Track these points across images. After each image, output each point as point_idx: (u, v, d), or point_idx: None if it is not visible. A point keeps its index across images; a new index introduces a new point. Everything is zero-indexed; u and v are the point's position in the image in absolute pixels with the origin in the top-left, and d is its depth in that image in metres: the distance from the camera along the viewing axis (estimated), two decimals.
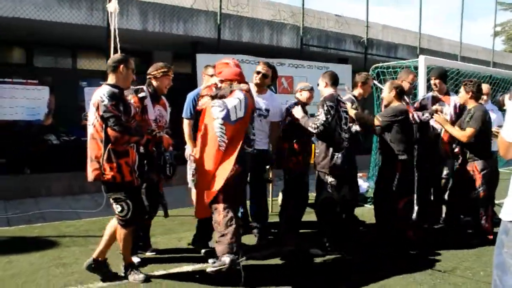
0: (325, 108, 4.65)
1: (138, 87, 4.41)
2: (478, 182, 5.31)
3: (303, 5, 10.20)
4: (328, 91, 4.87)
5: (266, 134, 5.12)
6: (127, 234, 3.96)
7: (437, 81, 5.78)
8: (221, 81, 4.31)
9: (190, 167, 4.71)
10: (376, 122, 5.11)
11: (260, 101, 4.94)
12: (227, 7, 9.51)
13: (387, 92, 5.17)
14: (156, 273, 4.24)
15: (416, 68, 6.69)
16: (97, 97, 3.69)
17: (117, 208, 3.86)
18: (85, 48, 9.83)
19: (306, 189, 5.26)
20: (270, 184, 5.91)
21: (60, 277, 4.09)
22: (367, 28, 11.51)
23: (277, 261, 4.69)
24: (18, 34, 8.43)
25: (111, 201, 3.89)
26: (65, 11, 7.50)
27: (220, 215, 3.92)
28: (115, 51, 4.98)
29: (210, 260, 4.39)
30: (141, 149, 4.10)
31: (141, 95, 4.25)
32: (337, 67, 10.43)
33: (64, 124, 8.27)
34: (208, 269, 3.88)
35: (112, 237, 3.99)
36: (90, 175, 3.80)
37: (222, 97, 4.12)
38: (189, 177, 4.53)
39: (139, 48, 8.84)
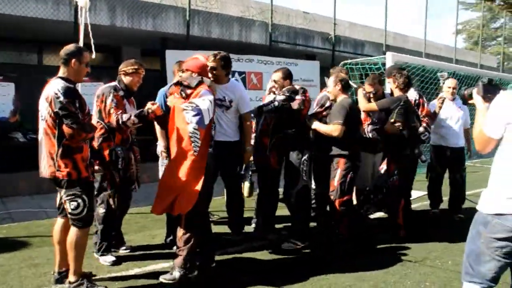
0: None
1: (112, 83, 4.37)
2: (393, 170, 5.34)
3: (271, 2, 10.28)
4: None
5: (236, 125, 4.94)
6: (82, 238, 3.72)
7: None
8: (183, 71, 4.24)
9: (162, 164, 4.69)
10: (338, 128, 4.78)
11: (220, 92, 4.75)
12: (196, 3, 9.47)
13: (332, 86, 5.00)
14: (131, 271, 4.20)
15: (384, 64, 6.86)
16: (51, 91, 3.52)
17: (71, 205, 3.61)
18: (52, 44, 9.60)
19: (278, 185, 5.26)
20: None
21: (33, 277, 3.99)
22: (335, 25, 11.69)
23: (254, 255, 4.73)
24: None
25: (65, 198, 3.64)
26: (30, 5, 7.32)
27: (180, 231, 3.92)
28: (87, 47, 4.88)
29: None
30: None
31: (121, 93, 4.23)
32: (305, 64, 10.57)
33: (31, 121, 8.05)
34: (161, 278, 3.92)
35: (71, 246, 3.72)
36: (46, 171, 3.65)
37: (188, 86, 3.98)
38: (161, 174, 4.51)
39: (107, 43, 8.72)
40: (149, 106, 4.12)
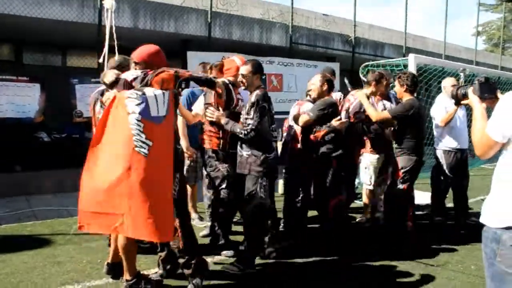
0: (258, 110, 4.09)
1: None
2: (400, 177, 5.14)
3: (292, 3, 10.31)
4: (257, 83, 4.29)
5: None
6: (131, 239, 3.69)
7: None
8: (136, 63, 3.62)
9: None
10: (305, 118, 4.72)
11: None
12: (217, 6, 9.56)
13: (318, 85, 4.85)
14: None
15: (405, 66, 6.82)
16: (130, 76, 3.66)
17: None
18: (76, 46, 9.79)
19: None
20: None
21: (56, 275, 4.03)
22: (355, 27, 11.66)
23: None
24: (7, 30, 8.36)
25: None
26: (56, 8, 7.47)
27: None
28: (111, 49, 4.96)
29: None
30: None
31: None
32: (325, 65, 10.56)
33: (55, 121, 8.23)
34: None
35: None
36: None
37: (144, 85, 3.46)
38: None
39: (129, 45, 8.80)
40: None
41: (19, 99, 7.28)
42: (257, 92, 4.18)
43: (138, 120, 3.15)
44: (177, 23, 8.97)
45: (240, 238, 4.82)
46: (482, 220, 2.35)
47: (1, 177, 7.10)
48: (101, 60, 4.93)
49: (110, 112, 3.29)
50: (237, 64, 4.54)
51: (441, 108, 5.92)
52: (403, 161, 5.08)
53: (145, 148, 3.16)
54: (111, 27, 5.00)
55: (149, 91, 3.28)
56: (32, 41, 9.42)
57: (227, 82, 4.49)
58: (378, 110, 5.27)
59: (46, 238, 5.10)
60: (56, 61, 9.93)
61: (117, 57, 4.33)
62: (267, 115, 4.19)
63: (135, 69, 3.61)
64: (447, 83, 5.97)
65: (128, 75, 3.75)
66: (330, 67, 6.50)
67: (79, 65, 9.87)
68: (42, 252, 4.65)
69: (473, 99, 2.51)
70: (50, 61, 9.92)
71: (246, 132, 4.10)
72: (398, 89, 5.16)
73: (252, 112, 4.09)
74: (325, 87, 4.81)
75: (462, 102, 2.71)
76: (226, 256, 4.56)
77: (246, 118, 4.14)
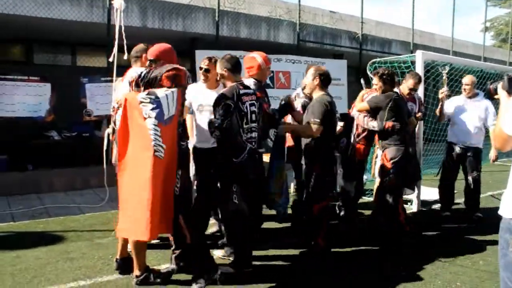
0: (221, 108, 3.80)
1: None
2: (387, 170, 5.11)
3: (299, 1, 10.33)
4: (229, 81, 4.08)
5: None
6: None
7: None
8: (152, 61, 3.67)
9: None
10: (315, 127, 4.43)
11: (211, 96, 4.22)
12: (224, 4, 9.60)
13: (310, 79, 4.63)
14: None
15: (413, 62, 6.82)
16: (134, 73, 3.80)
17: None
18: (85, 45, 9.88)
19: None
20: None
21: (69, 271, 4.10)
22: (362, 24, 11.65)
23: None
24: (18, 31, 8.46)
25: None
26: (65, 8, 7.54)
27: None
28: (120, 48, 5.02)
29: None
30: None
31: None
32: (333, 63, 10.59)
33: (65, 120, 8.30)
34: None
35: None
36: (114, 159, 3.89)
37: (153, 80, 3.49)
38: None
39: (138, 44, 8.87)
40: None
41: (30, 99, 7.34)
42: (223, 88, 4.07)
43: (155, 125, 3.20)
44: (185, 22, 9.03)
45: None
46: (499, 211, 2.36)
47: (13, 175, 7.22)
48: (110, 59, 5.00)
49: (127, 117, 3.32)
50: (258, 61, 4.52)
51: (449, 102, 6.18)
52: (391, 152, 5.07)
53: (162, 152, 3.23)
54: (120, 27, 5.06)
55: (160, 93, 3.28)
56: (43, 41, 9.51)
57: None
58: (361, 102, 5.38)
59: (58, 235, 5.19)
60: (66, 61, 10.02)
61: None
62: (235, 114, 3.84)
63: (150, 66, 3.68)
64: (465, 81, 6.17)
65: (132, 73, 3.84)
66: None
67: (89, 64, 9.96)
68: (54, 248, 4.73)
69: (501, 94, 2.53)
70: (61, 61, 10.01)
71: (210, 131, 3.90)
72: (380, 85, 5.17)
73: (216, 110, 3.85)
74: (316, 82, 4.57)
75: (495, 97, 2.69)
76: (219, 256, 4.48)
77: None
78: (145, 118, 3.22)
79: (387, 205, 5.10)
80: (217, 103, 3.85)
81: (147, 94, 3.28)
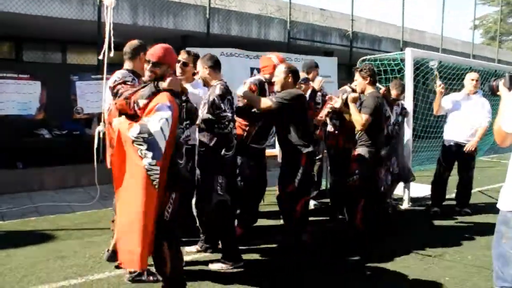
0: (227, 102, 4.04)
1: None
2: (352, 170, 5.06)
3: None
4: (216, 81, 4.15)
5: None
6: None
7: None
8: (155, 65, 3.29)
9: None
10: (268, 103, 4.35)
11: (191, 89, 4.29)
12: (215, 2, 9.60)
13: (282, 77, 4.46)
14: None
15: (402, 60, 6.88)
16: (112, 78, 3.63)
17: None
18: (75, 43, 9.84)
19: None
20: None
21: (59, 269, 4.09)
22: (352, 21, 11.71)
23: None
24: (7, 28, 8.40)
25: None
26: (55, 6, 7.50)
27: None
28: (110, 46, 5.00)
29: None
30: None
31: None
32: (323, 60, 10.62)
33: (56, 118, 8.27)
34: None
35: None
36: (108, 161, 3.80)
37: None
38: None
39: (128, 42, 8.88)
40: None
41: (20, 97, 7.30)
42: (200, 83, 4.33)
43: (152, 165, 3.00)
44: (176, 20, 9.02)
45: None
46: (497, 204, 2.47)
47: (3, 174, 7.17)
48: (101, 57, 4.98)
49: (122, 147, 3.13)
50: (274, 62, 4.63)
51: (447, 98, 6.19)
52: (360, 152, 5.02)
53: (157, 182, 3.05)
54: (110, 24, 5.05)
55: (154, 126, 3.00)
56: (32, 38, 9.46)
57: (263, 80, 4.66)
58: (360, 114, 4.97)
59: (49, 233, 5.17)
60: (57, 58, 9.98)
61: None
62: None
63: (150, 70, 3.28)
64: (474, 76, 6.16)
65: (117, 76, 3.62)
66: (312, 60, 6.32)
67: (79, 62, 9.93)
68: (45, 247, 4.71)
69: (502, 91, 2.61)
70: (51, 59, 9.97)
71: (198, 125, 4.16)
72: (360, 81, 5.09)
73: (224, 104, 4.03)
74: (289, 79, 4.47)
75: (497, 93, 2.75)
76: (192, 250, 4.51)
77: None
78: (141, 157, 3.00)
79: (347, 204, 5.16)
80: (222, 98, 3.99)
81: (139, 133, 2.99)
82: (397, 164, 6.06)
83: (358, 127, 4.94)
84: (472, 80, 6.08)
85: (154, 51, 3.30)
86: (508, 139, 2.45)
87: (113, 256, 4.03)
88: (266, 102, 4.37)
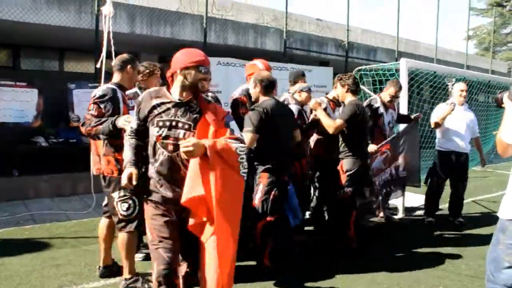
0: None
1: (134, 91, 4.45)
2: (343, 182, 4.97)
3: (286, 9, 10.44)
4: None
5: None
6: (132, 239, 3.81)
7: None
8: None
9: None
10: (249, 136, 4.06)
11: None
12: (212, 11, 9.67)
13: (252, 87, 4.34)
14: None
15: (397, 70, 6.95)
16: (95, 92, 3.78)
17: (123, 206, 3.73)
18: (73, 51, 9.86)
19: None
20: None
21: (54, 278, 4.09)
22: (348, 31, 11.81)
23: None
24: (5, 36, 8.42)
25: (116, 200, 3.74)
26: (53, 14, 7.53)
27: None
28: (109, 55, 5.05)
29: None
30: None
31: None
32: (319, 70, 10.72)
33: (53, 126, 8.28)
34: None
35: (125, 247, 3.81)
36: (93, 169, 3.90)
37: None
38: None
39: (126, 50, 8.90)
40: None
41: (17, 104, 7.32)
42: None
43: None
44: (173, 29, 9.07)
45: None
46: (498, 213, 2.60)
47: None
48: (98, 65, 5.02)
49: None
50: (260, 68, 4.58)
51: (437, 111, 6.18)
52: (347, 164, 4.97)
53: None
54: (108, 33, 5.09)
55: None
56: (30, 46, 9.48)
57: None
58: (333, 120, 4.93)
59: (44, 242, 5.16)
60: (54, 66, 9.99)
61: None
62: None
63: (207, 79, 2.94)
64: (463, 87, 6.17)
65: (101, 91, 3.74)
66: (299, 69, 6.28)
67: (77, 70, 9.94)
68: (40, 255, 4.71)
69: (507, 103, 2.65)
70: (48, 66, 9.98)
71: None
72: (340, 91, 5.05)
73: None
74: (258, 88, 4.26)
75: (501, 106, 2.80)
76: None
77: None
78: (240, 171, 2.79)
79: (338, 218, 5.06)
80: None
81: (241, 144, 2.80)
82: (403, 167, 5.97)
83: (330, 131, 4.83)
84: (461, 91, 6.12)
85: (203, 54, 2.88)
86: (510, 150, 2.53)
87: (105, 272, 4.10)
88: (248, 138, 4.06)
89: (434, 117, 6.15)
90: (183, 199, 2.67)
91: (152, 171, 2.88)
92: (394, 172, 5.87)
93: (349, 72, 5.38)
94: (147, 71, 4.50)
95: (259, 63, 4.60)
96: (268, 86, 4.25)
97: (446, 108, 6.00)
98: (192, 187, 2.65)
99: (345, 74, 5.10)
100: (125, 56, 3.99)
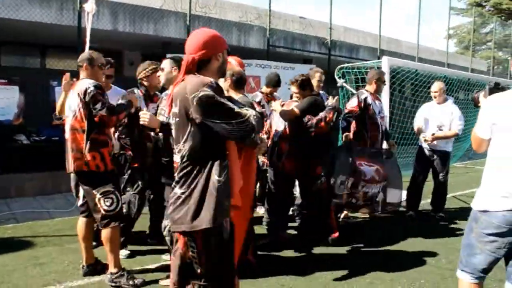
0: None
1: (130, 89, 4.49)
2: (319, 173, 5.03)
3: (269, 6, 10.47)
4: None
5: None
6: (117, 233, 3.84)
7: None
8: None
9: None
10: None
11: None
12: (195, 9, 9.64)
13: (222, 81, 4.14)
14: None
15: (379, 68, 7.03)
16: (82, 87, 3.71)
17: (106, 202, 3.75)
18: (55, 47, 9.76)
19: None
20: None
21: (38, 277, 4.06)
22: (331, 30, 11.88)
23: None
24: None
25: (98, 196, 3.75)
26: (35, 10, 7.46)
27: None
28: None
29: None
30: None
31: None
32: (302, 68, 10.76)
33: (34, 124, 8.18)
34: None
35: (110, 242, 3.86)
36: (71, 166, 3.78)
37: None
38: None
39: (109, 47, 8.87)
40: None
41: None
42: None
43: None
44: (157, 26, 9.04)
45: None
46: (471, 204, 2.81)
47: None
48: None
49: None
50: (232, 64, 4.56)
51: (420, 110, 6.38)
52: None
53: None
54: (91, 30, 5.06)
55: None
56: (11, 43, 9.36)
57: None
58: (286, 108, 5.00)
59: (27, 240, 5.10)
60: (35, 63, 9.88)
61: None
62: None
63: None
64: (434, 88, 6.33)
65: (84, 85, 3.75)
66: (274, 72, 6.52)
67: (59, 67, 9.84)
68: (23, 254, 4.66)
69: (482, 102, 2.83)
70: (29, 63, 9.88)
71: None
72: (297, 91, 5.05)
73: None
74: (228, 82, 4.22)
75: (479, 104, 2.97)
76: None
77: None
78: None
79: (318, 208, 5.08)
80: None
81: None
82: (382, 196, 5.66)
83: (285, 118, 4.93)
84: (435, 92, 6.33)
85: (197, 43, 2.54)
86: (483, 145, 2.73)
87: (89, 270, 4.08)
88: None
89: (418, 120, 6.45)
90: None
91: None
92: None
93: (305, 74, 5.23)
94: (150, 67, 4.55)
95: (232, 60, 4.62)
96: (238, 81, 4.25)
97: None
98: None
99: (298, 77, 5.05)
100: (85, 54, 4.03)
